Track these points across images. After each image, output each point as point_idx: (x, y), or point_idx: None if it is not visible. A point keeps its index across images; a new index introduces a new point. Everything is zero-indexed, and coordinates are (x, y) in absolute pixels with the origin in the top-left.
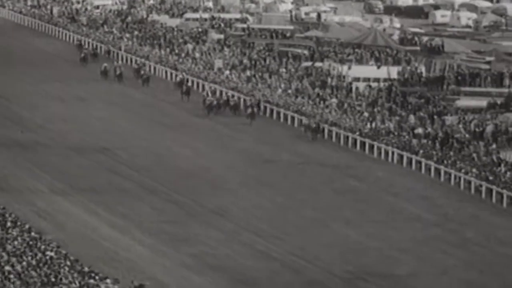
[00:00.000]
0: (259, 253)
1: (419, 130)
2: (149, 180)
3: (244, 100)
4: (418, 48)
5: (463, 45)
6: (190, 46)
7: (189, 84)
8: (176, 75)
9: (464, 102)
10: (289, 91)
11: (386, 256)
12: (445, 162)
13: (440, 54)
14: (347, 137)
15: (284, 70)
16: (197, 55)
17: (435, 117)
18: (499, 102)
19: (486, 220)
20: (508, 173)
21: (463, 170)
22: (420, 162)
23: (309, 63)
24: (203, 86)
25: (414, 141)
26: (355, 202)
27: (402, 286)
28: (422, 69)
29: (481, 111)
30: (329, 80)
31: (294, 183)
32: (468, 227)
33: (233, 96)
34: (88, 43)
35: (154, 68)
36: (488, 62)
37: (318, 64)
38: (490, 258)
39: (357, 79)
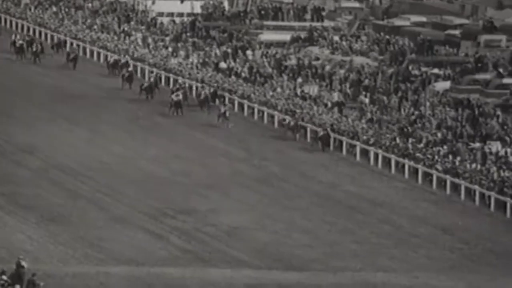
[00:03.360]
0: (67, 191)
1: (223, 65)
2: None
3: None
4: None
5: None
6: None
7: (131, 68)
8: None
9: (267, 36)
10: (95, 26)
11: (192, 192)
12: (249, 96)
13: None
14: (152, 72)
15: (89, 5)
16: None
17: (239, 51)
18: (302, 36)
19: (290, 155)
20: (314, 107)
21: (267, 105)
22: (223, 97)
23: None
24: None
25: (219, 76)
26: (161, 138)
27: (207, 221)
28: (225, 3)
29: (284, 45)
30: (133, 15)
31: (101, 119)
32: (272, 162)
33: (199, 88)
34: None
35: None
36: None
37: None
38: (294, 193)
39: (161, 14)
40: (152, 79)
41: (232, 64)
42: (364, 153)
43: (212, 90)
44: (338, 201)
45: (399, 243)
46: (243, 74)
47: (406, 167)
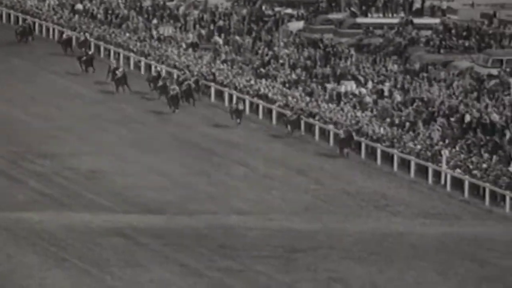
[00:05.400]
0: None
1: (79, 6)
2: None
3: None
4: None
5: None
6: None
7: (91, 52)
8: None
9: None
10: None
11: (50, 135)
12: (107, 38)
13: None
14: (9, 14)
15: None
16: None
17: None
18: None
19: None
20: (170, 49)
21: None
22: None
23: None
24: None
25: (75, 18)
26: (19, 81)
27: (66, 165)
28: None
29: None
30: None
31: None
32: (129, 105)
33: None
34: None
35: None
36: None
37: None
38: (151, 135)
39: None
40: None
41: (88, 5)
42: (219, 94)
43: (194, 79)
44: (194, 143)
45: (254, 185)
46: (98, 16)
47: (261, 108)
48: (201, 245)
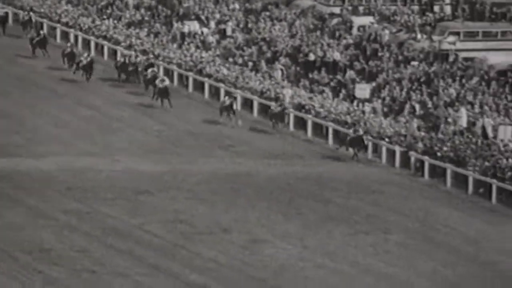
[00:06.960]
0: None
1: None
2: None
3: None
4: None
5: None
6: None
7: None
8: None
9: None
10: None
11: None
12: None
13: None
14: None
15: None
16: None
17: None
18: None
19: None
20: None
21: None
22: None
23: None
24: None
25: None
26: None
27: None
28: None
29: None
30: None
31: None
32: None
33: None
34: None
35: None
36: None
37: None
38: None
39: None
40: None
41: None
42: (64, 36)
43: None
44: (40, 85)
45: (100, 127)
46: None
47: (106, 49)
48: (49, 187)
